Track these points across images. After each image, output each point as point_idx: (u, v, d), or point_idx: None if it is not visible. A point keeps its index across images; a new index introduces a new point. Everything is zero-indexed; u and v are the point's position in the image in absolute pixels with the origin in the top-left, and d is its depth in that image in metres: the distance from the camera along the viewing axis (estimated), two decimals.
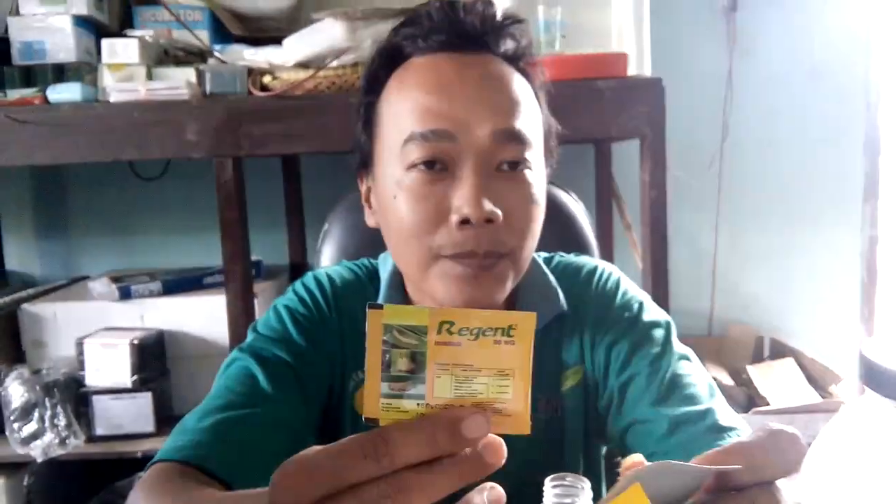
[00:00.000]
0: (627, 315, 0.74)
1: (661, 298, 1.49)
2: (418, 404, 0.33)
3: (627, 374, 0.70)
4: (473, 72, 0.67)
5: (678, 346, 0.73)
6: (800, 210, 2.10)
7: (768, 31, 2.04)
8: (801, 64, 2.05)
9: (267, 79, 1.47)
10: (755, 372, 1.93)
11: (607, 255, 1.99)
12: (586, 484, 0.46)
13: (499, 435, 0.33)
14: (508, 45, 0.70)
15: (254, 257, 1.58)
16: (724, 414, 0.65)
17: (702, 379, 0.69)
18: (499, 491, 0.35)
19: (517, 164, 0.66)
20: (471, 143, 0.64)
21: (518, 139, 0.66)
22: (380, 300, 0.75)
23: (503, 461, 0.33)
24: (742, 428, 0.64)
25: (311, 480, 0.31)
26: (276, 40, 1.50)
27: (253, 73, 1.48)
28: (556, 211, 1.11)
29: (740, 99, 2.04)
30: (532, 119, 0.69)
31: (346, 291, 0.77)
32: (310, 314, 0.74)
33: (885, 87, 2.08)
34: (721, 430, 0.63)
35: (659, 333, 0.73)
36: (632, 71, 1.48)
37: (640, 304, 0.76)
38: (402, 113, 0.67)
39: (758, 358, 2.05)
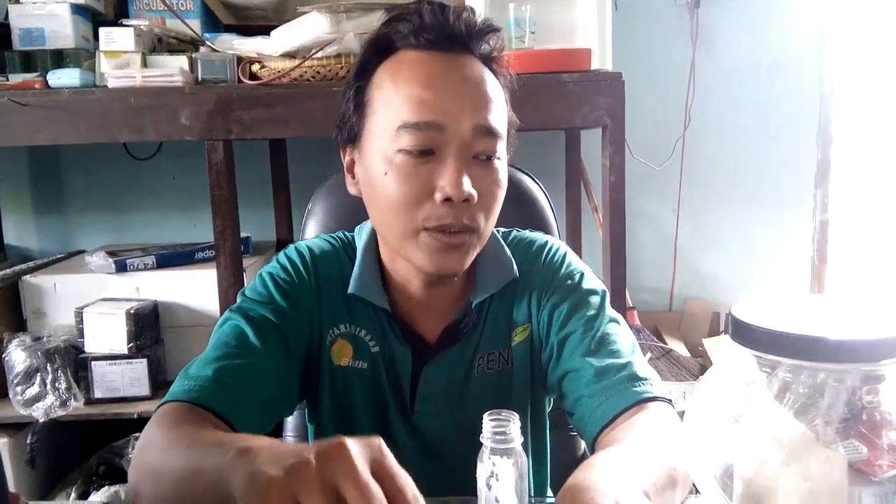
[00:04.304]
0: (569, 283, 0.87)
1: (619, 271, 1.59)
2: None
3: (565, 332, 0.83)
4: (457, 70, 0.78)
5: (610, 311, 0.85)
6: (756, 195, 2.23)
7: (729, 28, 2.15)
8: (759, 59, 2.16)
9: (255, 67, 1.55)
10: (710, 345, 2.07)
11: (576, 232, 2.10)
12: (515, 417, 0.59)
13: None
14: (485, 48, 0.81)
15: (243, 233, 1.67)
16: (641, 366, 0.78)
17: (626, 338, 0.82)
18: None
19: (490, 155, 0.78)
20: (455, 134, 0.74)
21: (492, 134, 0.77)
22: (356, 265, 0.86)
23: None
24: (654, 378, 0.77)
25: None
26: (264, 29, 1.58)
27: (242, 62, 1.57)
28: (521, 194, 1.20)
29: (702, 91, 2.15)
30: (502, 115, 0.80)
31: (323, 259, 0.88)
32: (291, 279, 0.85)
33: (838, 82, 2.20)
34: (636, 379, 0.76)
35: (595, 299, 0.85)
36: (595, 65, 1.58)
37: (581, 275, 0.88)
38: (395, 101, 0.76)
39: (714, 332, 2.19)
